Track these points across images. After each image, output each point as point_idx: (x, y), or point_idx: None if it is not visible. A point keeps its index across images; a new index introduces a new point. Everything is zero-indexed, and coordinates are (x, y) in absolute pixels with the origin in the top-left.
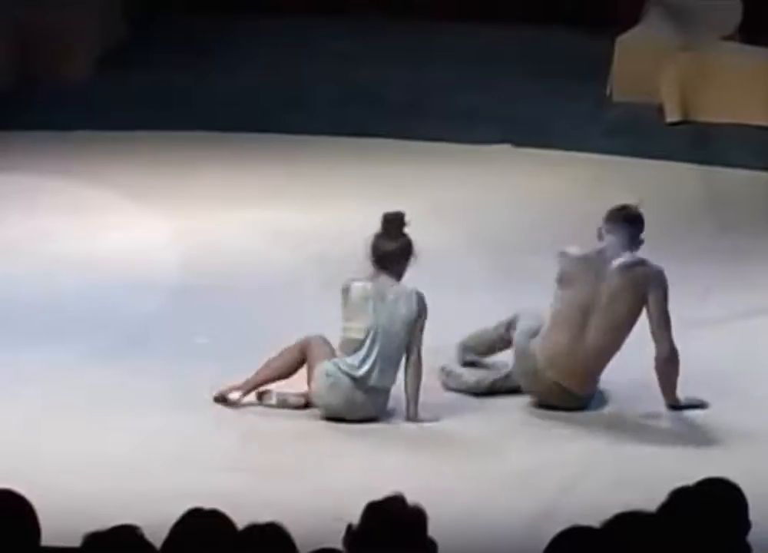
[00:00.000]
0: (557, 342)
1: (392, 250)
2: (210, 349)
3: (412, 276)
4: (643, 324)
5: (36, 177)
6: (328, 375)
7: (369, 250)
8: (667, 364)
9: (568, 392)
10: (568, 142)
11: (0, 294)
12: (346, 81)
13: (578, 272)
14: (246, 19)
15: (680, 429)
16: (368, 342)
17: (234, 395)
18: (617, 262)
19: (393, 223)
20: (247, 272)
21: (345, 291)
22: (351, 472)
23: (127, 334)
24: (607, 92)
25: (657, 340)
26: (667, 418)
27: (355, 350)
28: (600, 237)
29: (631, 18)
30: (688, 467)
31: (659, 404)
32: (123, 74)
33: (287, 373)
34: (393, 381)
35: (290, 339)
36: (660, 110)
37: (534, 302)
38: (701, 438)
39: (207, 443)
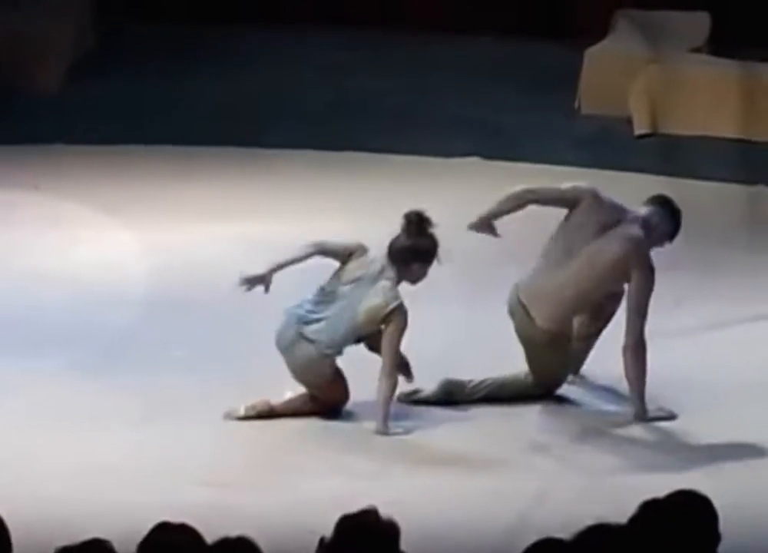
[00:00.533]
0: (535, 271)
1: (401, 246)
2: (187, 362)
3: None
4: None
5: (9, 191)
6: (287, 311)
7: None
8: (632, 355)
9: (530, 319)
10: (537, 154)
11: None
12: (328, 93)
13: (592, 213)
14: (223, 28)
15: (651, 440)
16: (332, 299)
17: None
18: (628, 229)
19: (412, 222)
20: (225, 285)
21: (360, 251)
22: (323, 485)
23: (105, 347)
24: (576, 105)
25: (627, 329)
26: (637, 430)
27: (318, 297)
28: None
29: (600, 31)
30: (657, 479)
31: (630, 416)
32: (95, 86)
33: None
34: (326, 349)
35: (267, 352)
36: (629, 122)
37: (503, 312)
38: (671, 449)
39: (182, 456)
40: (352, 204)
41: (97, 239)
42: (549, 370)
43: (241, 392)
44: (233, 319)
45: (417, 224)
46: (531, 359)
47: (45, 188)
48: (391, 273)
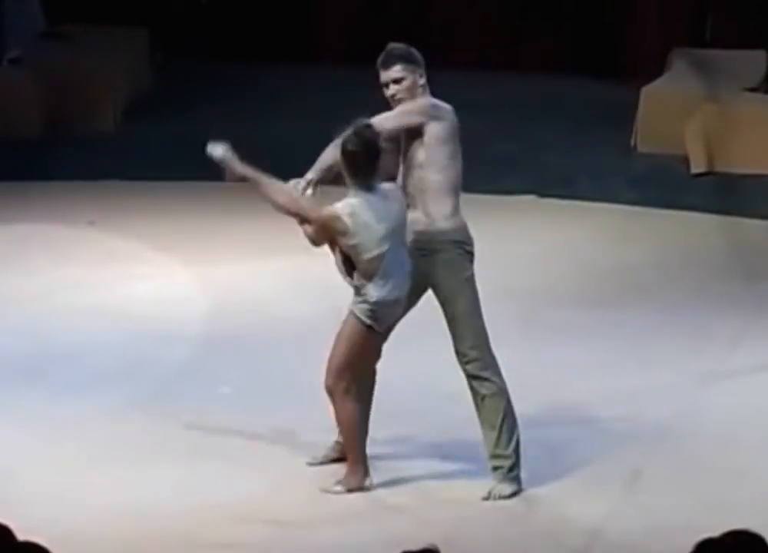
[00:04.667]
0: None
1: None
2: (234, 399)
3: (437, 328)
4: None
5: (65, 227)
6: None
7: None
8: None
9: None
10: (593, 193)
11: (32, 344)
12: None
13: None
14: (268, 67)
15: (706, 480)
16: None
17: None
18: None
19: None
20: (272, 321)
21: None
22: (367, 527)
23: (155, 384)
24: (632, 143)
25: None
26: (692, 470)
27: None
28: None
29: (656, 69)
30: (713, 518)
31: (677, 456)
32: (148, 124)
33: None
34: None
35: (314, 389)
36: (685, 161)
37: (559, 354)
38: (726, 489)
39: (229, 493)
40: None
41: (150, 275)
42: None
43: (285, 432)
44: (281, 356)
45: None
46: None
47: (101, 224)
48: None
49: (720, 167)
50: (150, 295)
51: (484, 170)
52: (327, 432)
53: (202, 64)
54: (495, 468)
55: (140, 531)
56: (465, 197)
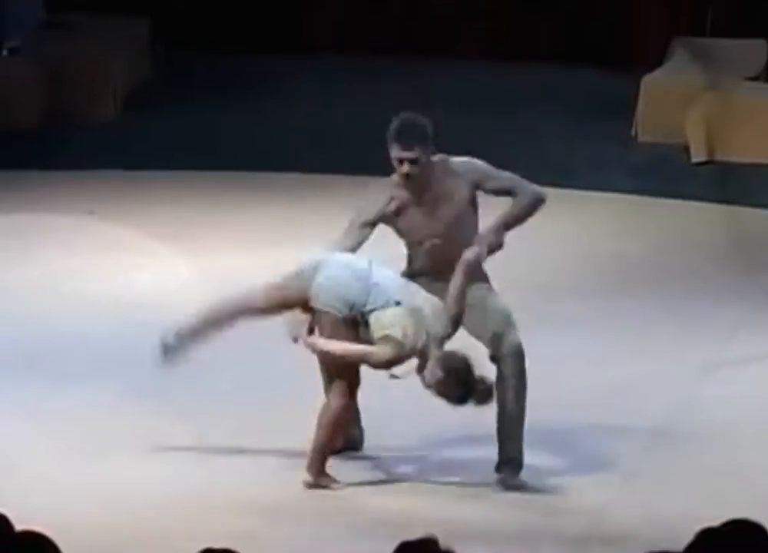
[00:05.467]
0: None
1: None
2: (232, 394)
3: None
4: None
5: (65, 216)
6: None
7: None
8: None
9: None
10: (593, 182)
11: (32, 333)
12: (373, 121)
13: None
14: (269, 57)
15: (706, 469)
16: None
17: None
18: None
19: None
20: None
21: None
22: (364, 515)
23: (154, 374)
24: (633, 132)
25: None
26: (692, 459)
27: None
28: None
29: (656, 58)
30: (713, 507)
31: (677, 446)
32: (148, 114)
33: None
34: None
35: (315, 383)
36: (686, 150)
37: (557, 345)
38: (725, 477)
39: (227, 486)
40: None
41: (150, 264)
42: None
43: (283, 426)
44: (281, 349)
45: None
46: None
47: (100, 213)
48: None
49: (720, 157)
50: (150, 285)
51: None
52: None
53: (202, 54)
54: (506, 459)
55: (136, 522)
56: None
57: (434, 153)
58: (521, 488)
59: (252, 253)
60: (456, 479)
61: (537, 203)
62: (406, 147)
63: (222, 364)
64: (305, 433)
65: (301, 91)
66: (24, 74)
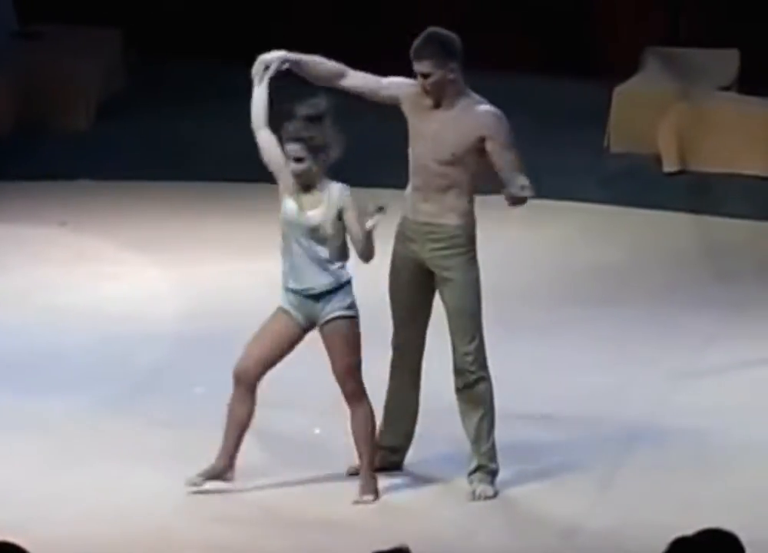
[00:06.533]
0: None
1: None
2: (208, 399)
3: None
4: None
5: (36, 227)
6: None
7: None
8: None
9: None
10: (565, 192)
11: (6, 344)
12: (353, 131)
13: None
14: (244, 66)
15: (680, 478)
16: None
17: (229, 476)
18: None
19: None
20: (249, 322)
21: None
22: (341, 527)
23: (129, 384)
24: (605, 142)
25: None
26: (665, 468)
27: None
28: None
29: (628, 68)
30: (687, 516)
31: (650, 454)
32: (121, 123)
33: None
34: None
35: (293, 390)
36: (658, 160)
37: (531, 353)
38: (699, 487)
39: (207, 493)
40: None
41: (123, 275)
42: None
43: (259, 431)
44: None
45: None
46: None
47: (72, 224)
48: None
49: (692, 166)
50: (123, 295)
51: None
52: (299, 430)
53: (176, 63)
54: (478, 467)
55: (118, 531)
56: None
57: (452, 72)
58: (495, 496)
59: (226, 264)
60: (429, 488)
61: (519, 202)
62: (417, 59)
63: (196, 369)
64: (281, 437)
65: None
66: None
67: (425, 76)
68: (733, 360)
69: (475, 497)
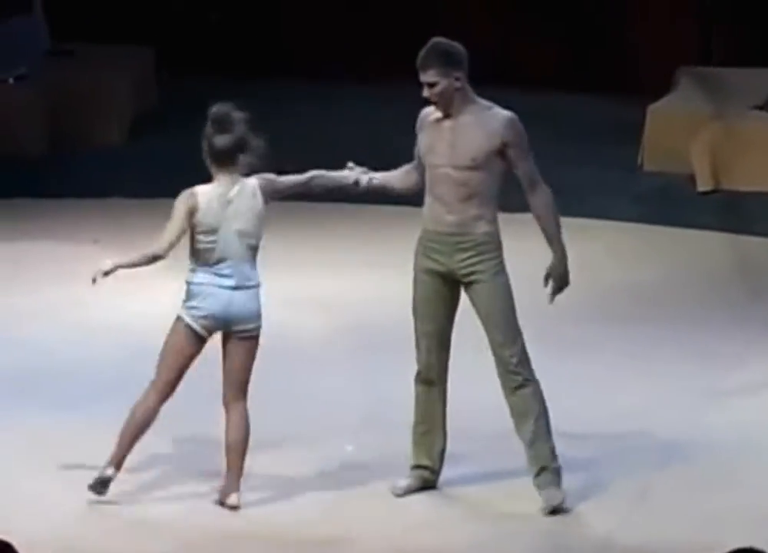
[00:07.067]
0: None
1: (225, 144)
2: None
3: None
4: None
5: (68, 245)
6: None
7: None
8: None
9: None
10: (599, 210)
11: (36, 360)
12: (378, 147)
13: None
14: (277, 83)
15: (708, 498)
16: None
17: (110, 472)
18: None
19: (223, 119)
20: (275, 336)
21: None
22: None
23: None
24: (639, 161)
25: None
26: (699, 491)
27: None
28: None
29: (662, 87)
30: (717, 536)
31: (683, 472)
32: (153, 140)
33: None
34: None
35: (316, 404)
36: (692, 179)
37: (564, 370)
38: (728, 507)
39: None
40: (398, 257)
41: (153, 291)
42: None
43: (285, 446)
44: (281, 373)
45: (222, 121)
46: None
47: (105, 242)
48: (229, 177)
49: (726, 185)
50: (153, 311)
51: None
52: (329, 445)
53: (208, 80)
54: (542, 469)
55: (140, 546)
56: None
57: (459, 81)
58: (561, 504)
59: None
60: (456, 506)
61: (553, 202)
62: (422, 69)
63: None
64: (309, 452)
65: (302, 115)
66: (30, 102)
67: (431, 86)
68: (765, 379)
69: (545, 507)
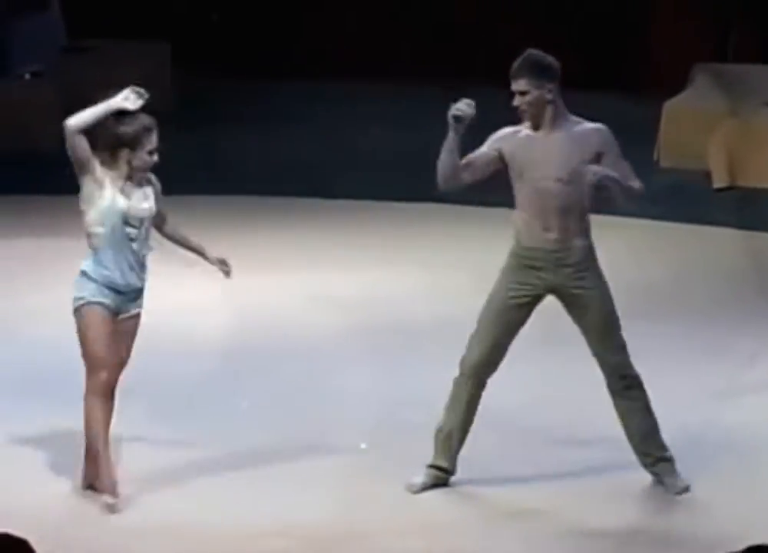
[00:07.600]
0: None
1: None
2: (252, 413)
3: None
4: None
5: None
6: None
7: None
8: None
9: None
10: (615, 207)
11: (45, 358)
12: (394, 145)
13: None
14: (290, 84)
15: (722, 496)
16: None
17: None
18: None
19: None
20: (290, 335)
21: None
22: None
23: (174, 397)
24: (655, 157)
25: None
26: (710, 490)
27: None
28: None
29: (678, 84)
30: (729, 532)
31: (694, 470)
32: (167, 138)
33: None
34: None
35: (331, 401)
36: (708, 176)
37: (579, 368)
38: (739, 505)
39: (250, 508)
40: (416, 254)
41: (169, 288)
42: None
43: (305, 446)
44: (299, 370)
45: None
46: None
47: None
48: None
49: (742, 182)
50: (165, 308)
51: (510, 187)
52: (344, 442)
53: (222, 80)
54: (658, 460)
55: (160, 549)
56: (494, 211)
57: (551, 92)
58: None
59: (272, 276)
60: (477, 505)
61: (638, 194)
62: (514, 78)
63: (242, 382)
64: (325, 450)
65: (317, 116)
66: (46, 99)
67: (522, 94)
68: None
69: (674, 490)
